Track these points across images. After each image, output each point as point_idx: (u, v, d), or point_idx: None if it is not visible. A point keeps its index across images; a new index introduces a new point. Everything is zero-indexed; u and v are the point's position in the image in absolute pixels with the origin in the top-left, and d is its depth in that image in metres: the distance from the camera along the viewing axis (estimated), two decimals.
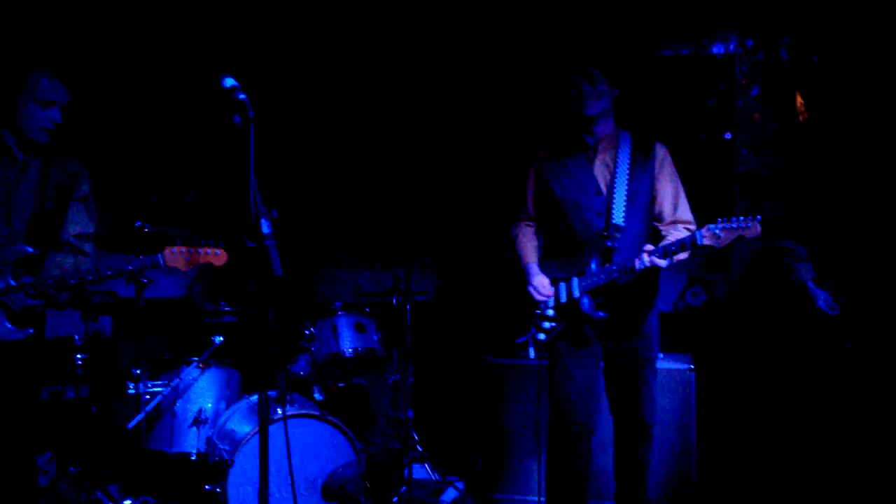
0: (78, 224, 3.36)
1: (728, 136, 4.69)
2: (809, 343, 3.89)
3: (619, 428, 3.40)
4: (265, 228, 2.49)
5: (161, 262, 3.22)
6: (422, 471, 4.39)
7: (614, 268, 3.24)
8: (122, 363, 4.12)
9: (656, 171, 3.37)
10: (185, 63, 4.81)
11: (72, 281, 3.17)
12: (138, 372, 3.87)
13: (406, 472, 4.09)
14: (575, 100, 3.32)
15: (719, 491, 4.17)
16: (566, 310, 3.34)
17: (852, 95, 4.41)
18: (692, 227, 3.33)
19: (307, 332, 4.18)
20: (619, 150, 3.36)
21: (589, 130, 3.38)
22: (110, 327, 4.64)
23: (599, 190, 3.35)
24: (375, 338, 4.26)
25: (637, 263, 3.16)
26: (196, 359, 4.03)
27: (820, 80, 4.52)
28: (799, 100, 4.59)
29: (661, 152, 3.41)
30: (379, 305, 4.43)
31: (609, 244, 3.27)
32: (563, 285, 3.37)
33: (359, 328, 4.24)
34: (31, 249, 3.19)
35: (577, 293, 3.31)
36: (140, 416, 3.78)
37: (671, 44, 4.72)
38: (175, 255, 3.22)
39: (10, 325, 3.16)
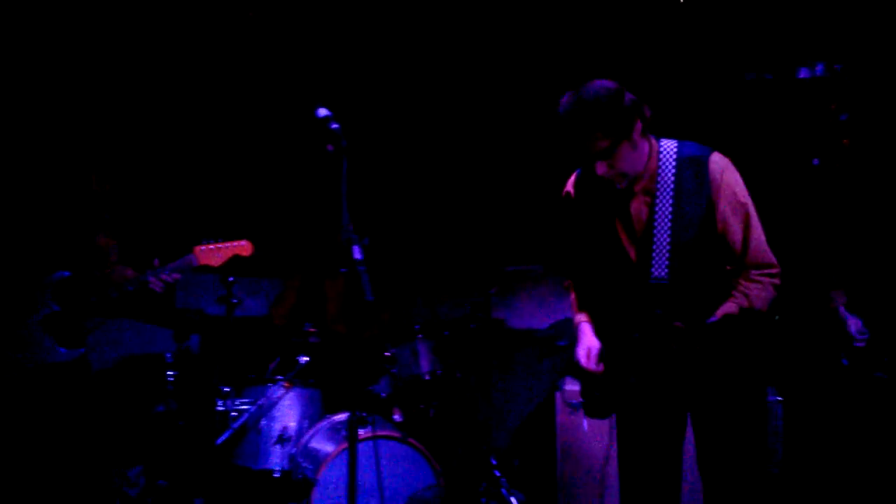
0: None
1: (816, 162, 4.59)
2: (839, 370, 3.75)
3: None
4: (357, 254, 2.57)
5: (194, 260, 3.52)
6: (501, 496, 4.38)
7: None
8: (211, 380, 4.25)
9: (714, 194, 2.62)
10: (274, 94, 4.96)
11: (129, 287, 3.46)
12: (227, 389, 3.99)
13: (484, 498, 4.10)
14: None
15: None
16: None
17: None
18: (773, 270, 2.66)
19: (388, 353, 4.24)
20: (661, 173, 2.65)
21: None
22: (198, 345, 4.80)
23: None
24: (453, 362, 4.31)
25: None
26: (281, 377, 4.13)
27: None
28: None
29: (719, 166, 2.64)
30: (460, 332, 4.47)
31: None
32: None
33: (437, 352, 4.29)
34: (67, 273, 3.43)
35: None
36: (228, 433, 3.89)
37: (755, 68, 4.65)
38: (205, 252, 3.53)
39: (62, 349, 3.36)
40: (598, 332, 2.87)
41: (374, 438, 3.40)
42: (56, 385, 3.44)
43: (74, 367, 3.47)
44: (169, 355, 4.13)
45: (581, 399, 2.92)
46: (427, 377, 4.20)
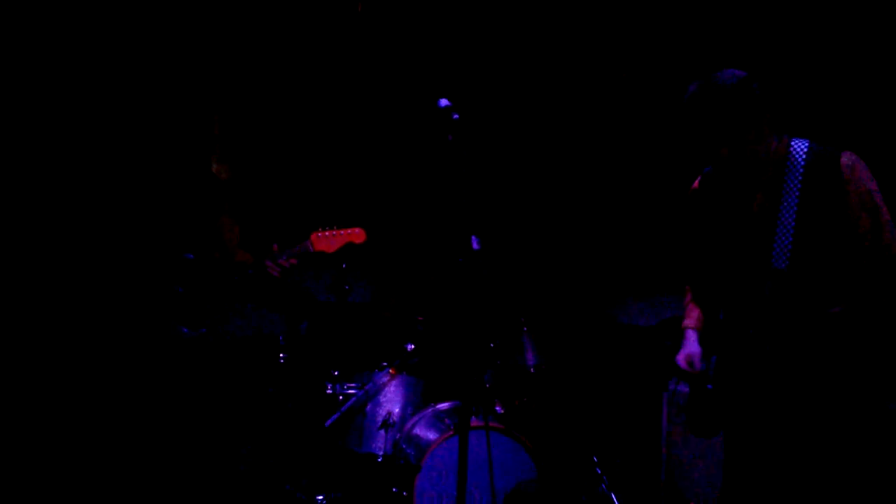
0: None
1: None
2: None
3: None
4: (475, 245, 2.60)
5: (310, 246, 3.67)
6: (602, 494, 4.35)
7: None
8: (320, 364, 4.37)
9: (844, 187, 2.57)
10: (393, 84, 5.05)
11: (248, 271, 3.68)
12: (336, 373, 4.09)
13: (584, 495, 4.08)
14: None
15: None
16: None
17: None
18: None
19: (492, 345, 4.27)
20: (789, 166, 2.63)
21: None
22: (307, 329, 4.94)
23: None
24: (558, 357, 4.30)
25: None
26: (387, 363, 4.20)
27: None
28: None
29: (850, 160, 2.60)
30: (566, 326, 4.47)
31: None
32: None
33: (542, 346, 4.29)
34: (191, 256, 3.58)
35: None
36: (337, 415, 4.00)
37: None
38: (321, 239, 3.68)
39: (184, 329, 3.52)
40: (712, 335, 2.81)
41: (485, 428, 3.42)
42: (177, 362, 3.61)
43: (194, 345, 3.63)
44: (282, 338, 4.26)
45: (684, 415, 2.86)
46: (532, 370, 4.20)
